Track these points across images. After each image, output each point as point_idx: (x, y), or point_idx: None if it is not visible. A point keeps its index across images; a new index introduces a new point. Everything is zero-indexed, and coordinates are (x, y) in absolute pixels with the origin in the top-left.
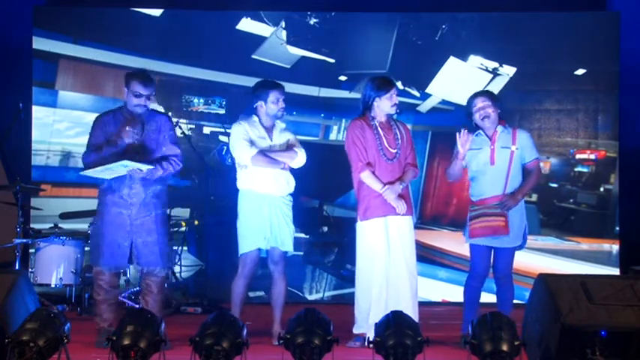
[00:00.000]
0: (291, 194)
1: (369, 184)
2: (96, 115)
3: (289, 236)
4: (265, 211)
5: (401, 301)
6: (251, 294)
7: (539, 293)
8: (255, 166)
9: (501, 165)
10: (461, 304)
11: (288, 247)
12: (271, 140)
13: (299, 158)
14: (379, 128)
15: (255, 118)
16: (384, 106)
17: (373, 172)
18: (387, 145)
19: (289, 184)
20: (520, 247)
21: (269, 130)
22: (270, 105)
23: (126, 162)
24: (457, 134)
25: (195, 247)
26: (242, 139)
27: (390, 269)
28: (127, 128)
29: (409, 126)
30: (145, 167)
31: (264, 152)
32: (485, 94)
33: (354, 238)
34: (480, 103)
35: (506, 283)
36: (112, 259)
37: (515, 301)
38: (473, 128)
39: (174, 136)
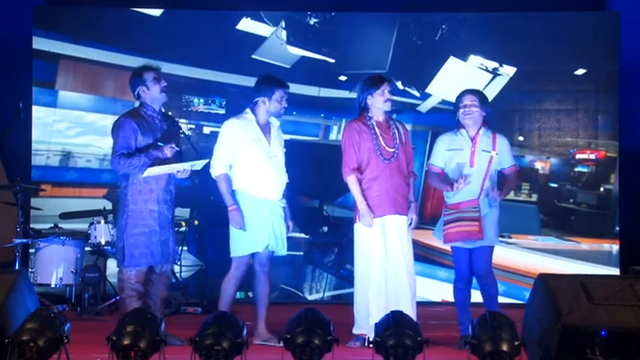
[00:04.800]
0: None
1: (352, 190)
2: (96, 115)
3: (285, 240)
4: (266, 217)
5: (401, 300)
6: (251, 294)
7: (539, 293)
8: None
9: (480, 168)
10: None
11: (285, 250)
12: (269, 143)
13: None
14: (376, 128)
15: (250, 115)
16: (377, 103)
17: (359, 180)
18: (383, 145)
19: (283, 185)
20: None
21: (265, 129)
22: (274, 103)
23: (195, 162)
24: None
25: (195, 247)
26: (224, 143)
27: (389, 269)
28: (171, 145)
29: (409, 126)
30: (202, 165)
31: (227, 179)
32: (474, 92)
33: (353, 238)
34: (467, 100)
35: (489, 281)
36: (162, 256)
37: (515, 301)
38: (457, 124)
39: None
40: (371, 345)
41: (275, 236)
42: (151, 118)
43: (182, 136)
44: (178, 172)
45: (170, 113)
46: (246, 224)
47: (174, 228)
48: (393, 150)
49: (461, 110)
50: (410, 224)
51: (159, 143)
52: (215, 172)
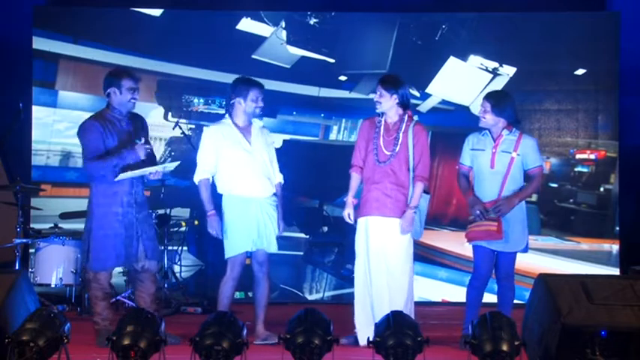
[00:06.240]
0: (275, 194)
1: (350, 183)
2: None
3: (274, 237)
4: (252, 214)
5: (381, 302)
6: (251, 294)
7: (539, 293)
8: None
9: (500, 169)
10: (461, 303)
11: (274, 248)
12: (250, 144)
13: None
14: (382, 129)
15: (227, 120)
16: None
17: (360, 177)
18: (382, 146)
19: (272, 183)
20: (524, 251)
21: (245, 131)
22: (250, 103)
23: (167, 165)
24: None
25: (195, 247)
26: (205, 152)
27: (371, 270)
28: (144, 145)
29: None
30: (173, 167)
31: (207, 185)
32: (487, 98)
33: (354, 238)
34: (480, 106)
35: (507, 285)
36: (126, 258)
37: (515, 301)
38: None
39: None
40: (370, 345)
41: (259, 234)
42: (117, 120)
43: (181, 134)
44: (151, 173)
45: (170, 113)
46: (234, 225)
47: (148, 227)
48: (389, 153)
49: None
50: (405, 228)
51: (136, 140)
52: (196, 178)
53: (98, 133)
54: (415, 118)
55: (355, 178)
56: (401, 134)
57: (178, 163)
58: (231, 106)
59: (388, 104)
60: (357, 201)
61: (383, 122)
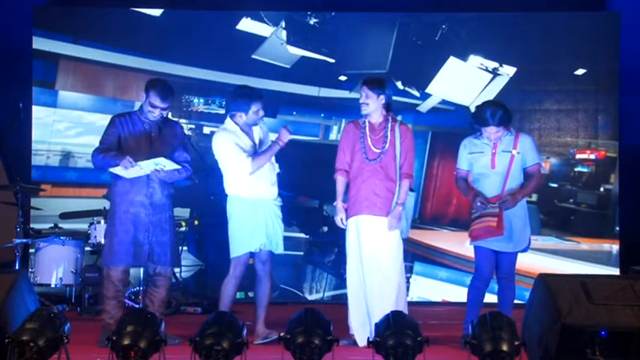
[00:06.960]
0: (279, 195)
1: (337, 188)
2: (96, 115)
3: (281, 237)
4: (260, 217)
5: (373, 301)
6: (251, 294)
7: (539, 293)
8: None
9: (501, 169)
10: (461, 304)
11: (281, 249)
12: (256, 145)
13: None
14: (367, 129)
15: (233, 126)
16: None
17: (345, 180)
18: (370, 145)
19: (276, 183)
20: (524, 250)
21: (249, 135)
22: (252, 115)
23: (158, 160)
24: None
25: (195, 247)
26: (235, 148)
27: (364, 269)
28: (128, 159)
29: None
30: (173, 166)
31: (256, 154)
32: (496, 124)
33: None
34: (490, 132)
35: (508, 284)
36: (134, 257)
37: (515, 301)
38: (475, 131)
39: (185, 143)
40: (371, 345)
41: (268, 235)
42: (141, 122)
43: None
44: (152, 172)
45: (170, 113)
46: (241, 225)
47: (161, 231)
48: (379, 151)
49: (485, 134)
50: (393, 225)
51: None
52: (247, 171)
53: (113, 128)
54: (399, 118)
55: (341, 182)
56: (388, 132)
57: (162, 157)
58: (232, 116)
59: (374, 105)
60: (347, 204)
61: (367, 123)
